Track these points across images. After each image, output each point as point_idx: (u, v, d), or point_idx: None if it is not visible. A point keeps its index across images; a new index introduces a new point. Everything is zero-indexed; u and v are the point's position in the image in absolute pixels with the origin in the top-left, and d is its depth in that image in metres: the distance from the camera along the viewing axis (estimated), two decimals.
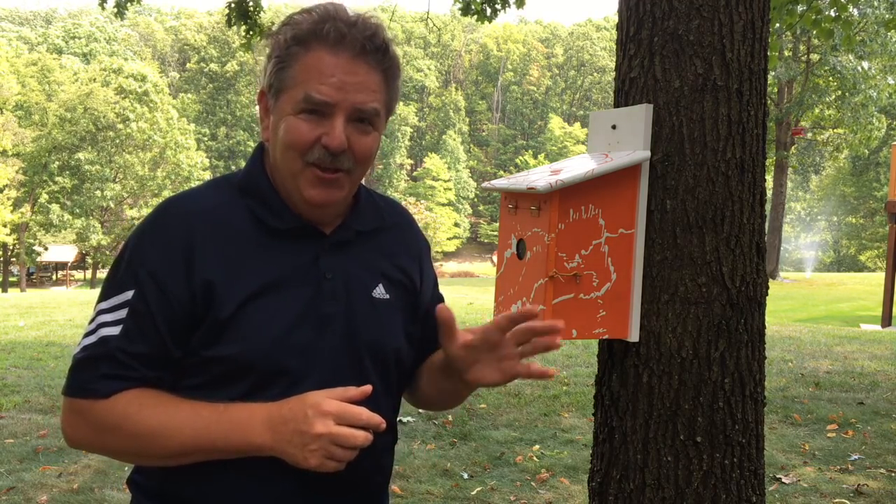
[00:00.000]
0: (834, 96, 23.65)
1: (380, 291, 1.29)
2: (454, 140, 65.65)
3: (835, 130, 25.35)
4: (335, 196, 1.19)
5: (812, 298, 19.95)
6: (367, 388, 1.12)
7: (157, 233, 1.17)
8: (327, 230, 1.25)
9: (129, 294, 1.13)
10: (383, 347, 1.28)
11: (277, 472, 1.14)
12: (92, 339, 1.14)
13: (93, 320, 1.16)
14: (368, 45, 1.15)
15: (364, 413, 1.08)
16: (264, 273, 1.17)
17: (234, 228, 1.18)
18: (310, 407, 1.07)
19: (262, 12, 7.88)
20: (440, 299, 1.46)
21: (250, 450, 1.10)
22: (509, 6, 7.84)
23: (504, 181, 1.73)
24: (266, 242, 1.19)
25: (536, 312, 1.19)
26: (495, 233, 53.82)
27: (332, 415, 1.06)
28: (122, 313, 1.13)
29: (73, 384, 1.14)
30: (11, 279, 39.47)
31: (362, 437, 1.07)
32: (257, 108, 1.25)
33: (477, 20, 7.79)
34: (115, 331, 1.12)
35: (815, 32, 5.82)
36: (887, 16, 16.98)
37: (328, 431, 1.05)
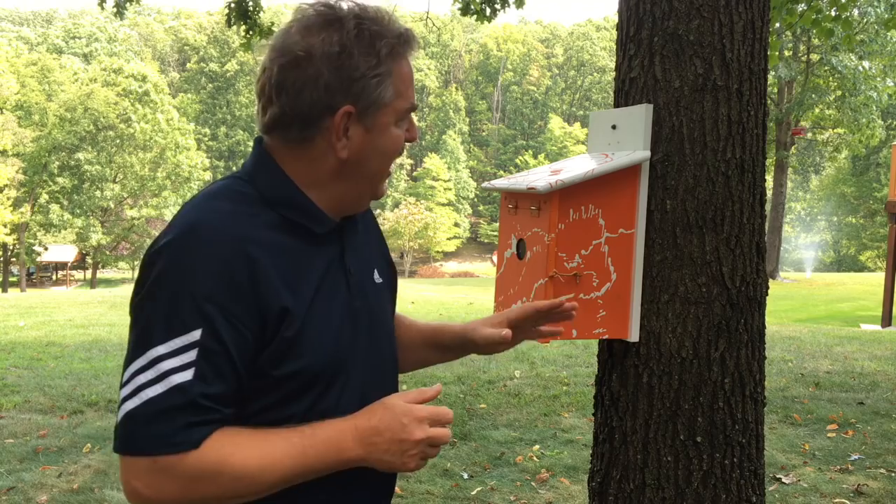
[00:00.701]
0: (834, 96, 23.65)
1: (377, 276, 1.33)
2: (454, 140, 65.60)
3: (835, 130, 25.34)
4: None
5: (812, 298, 19.95)
6: (439, 386, 1.20)
7: (212, 263, 1.06)
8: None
9: (197, 334, 1.04)
10: (390, 332, 1.34)
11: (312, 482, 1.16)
12: (159, 388, 1.03)
13: (146, 368, 1.05)
14: (416, 45, 1.21)
15: (449, 413, 1.14)
16: (312, 281, 1.16)
17: (280, 244, 1.14)
18: (403, 415, 1.12)
19: (261, 12, 7.87)
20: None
21: (343, 465, 1.12)
22: (509, 6, 7.84)
23: (504, 181, 1.73)
24: (306, 249, 1.18)
25: (561, 303, 1.39)
26: (495, 233, 53.77)
27: (426, 419, 1.12)
28: (192, 355, 1.04)
29: (150, 441, 1.03)
30: (11, 279, 39.47)
31: (449, 434, 1.14)
32: (331, 123, 1.15)
33: (476, 20, 7.79)
34: (187, 375, 1.04)
35: (815, 32, 5.82)
36: (887, 16, 16.98)
37: (427, 436, 1.11)
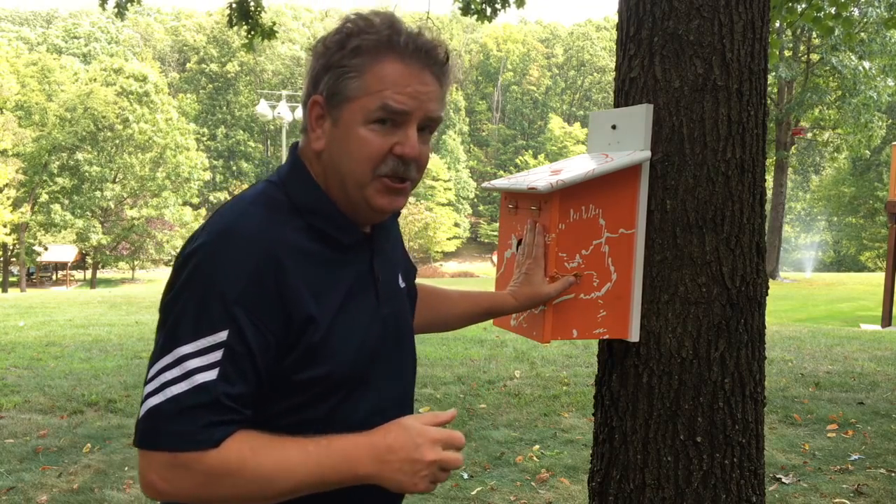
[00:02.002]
0: (834, 96, 23.65)
1: (400, 282, 1.35)
2: (454, 140, 65.54)
3: (835, 131, 25.34)
4: (401, 204, 1.22)
5: (812, 298, 19.96)
6: (454, 412, 1.21)
7: (244, 267, 1.09)
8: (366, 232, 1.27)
9: (224, 335, 1.07)
10: (412, 335, 1.36)
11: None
12: (183, 386, 1.05)
13: (172, 366, 1.07)
14: (437, 58, 1.18)
15: (461, 438, 1.16)
16: (339, 289, 1.18)
17: (309, 252, 1.16)
18: (418, 435, 1.12)
19: (263, 12, 7.86)
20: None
21: (355, 481, 1.12)
22: (509, 6, 7.84)
23: (504, 181, 1.73)
24: (334, 258, 1.19)
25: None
26: (495, 233, 53.71)
27: (440, 442, 1.13)
28: (217, 355, 1.06)
29: (172, 437, 1.05)
30: (11, 279, 39.45)
31: (462, 460, 1.15)
32: (300, 115, 1.24)
33: (477, 20, 7.79)
34: (212, 375, 1.06)
35: (815, 30, 5.82)
36: (887, 15, 16.98)
37: (439, 458, 1.12)
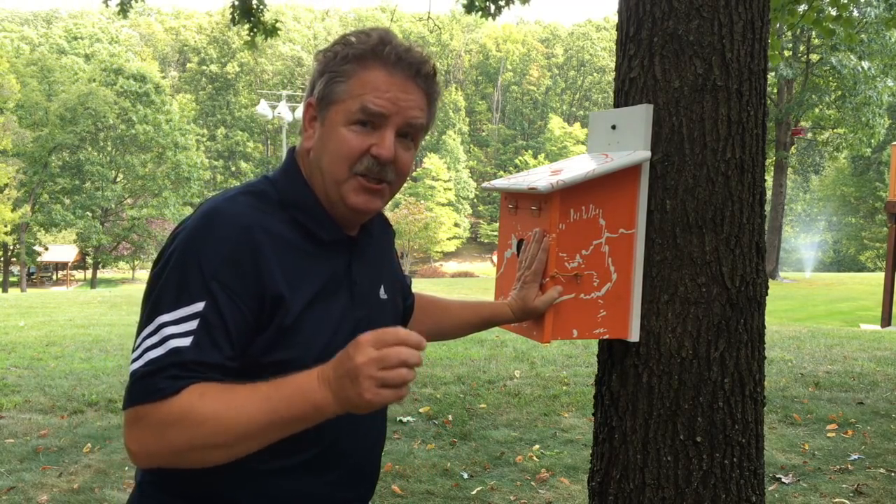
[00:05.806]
0: (834, 96, 23.65)
1: (382, 293, 1.39)
2: (454, 140, 65.48)
3: (835, 130, 25.34)
4: (377, 205, 1.28)
5: (812, 298, 19.96)
6: (420, 337, 1.09)
7: (223, 245, 1.16)
8: (351, 235, 1.33)
9: (200, 305, 1.13)
10: None
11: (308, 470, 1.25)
12: (159, 351, 1.11)
13: (153, 333, 1.13)
14: (421, 70, 1.26)
15: (401, 330, 1.07)
16: (314, 282, 1.24)
17: (289, 241, 1.22)
18: (350, 346, 1.07)
19: (265, 10, 7.85)
20: (408, 280, 1.61)
21: (313, 411, 1.08)
22: (513, 3, 7.80)
23: (504, 181, 1.73)
24: (312, 252, 1.25)
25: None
26: (495, 233, 53.67)
27: (368, 342, 1.05)
28: (193, 325, 1.13)
29: (138, 393, 1.11)
30: (11, 279, 39.43)
31: (406, 351, 1.05)
32: (300, 115, 1.33)
33: (480, 17, 7.76)
34: (185, 342, 1.12)
35: (816, 31, 5.82)
36: (887, 16, 16.97)
37: (368, 358, 1.04)
